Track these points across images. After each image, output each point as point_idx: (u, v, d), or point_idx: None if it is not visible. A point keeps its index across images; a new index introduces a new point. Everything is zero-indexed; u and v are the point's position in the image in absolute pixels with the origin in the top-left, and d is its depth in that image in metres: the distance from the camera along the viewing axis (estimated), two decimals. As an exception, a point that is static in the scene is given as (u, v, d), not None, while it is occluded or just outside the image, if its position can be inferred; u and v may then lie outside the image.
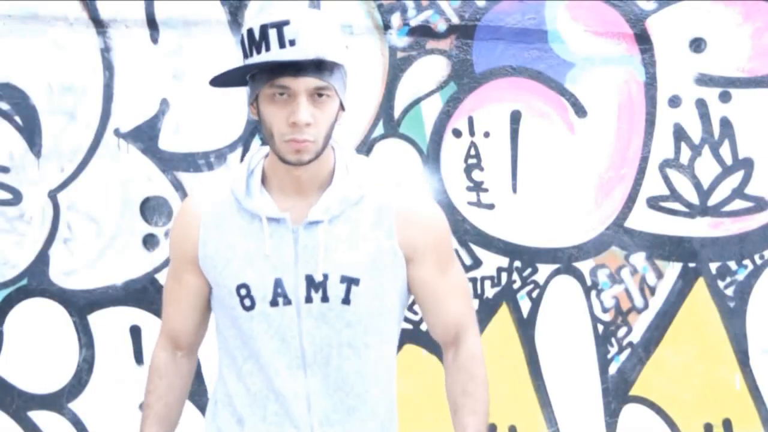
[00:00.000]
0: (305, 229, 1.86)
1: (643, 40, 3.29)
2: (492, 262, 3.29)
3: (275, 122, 1.79)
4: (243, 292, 1.88)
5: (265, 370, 1.89)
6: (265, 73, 1.78)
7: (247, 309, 1.88)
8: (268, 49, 1.76)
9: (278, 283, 1.86)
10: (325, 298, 1.86)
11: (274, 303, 1.87)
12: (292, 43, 1.75)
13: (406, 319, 3.15)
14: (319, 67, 1.76)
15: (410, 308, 1.97)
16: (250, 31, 1.78)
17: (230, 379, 1.95)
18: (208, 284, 1.97)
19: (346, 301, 1.86)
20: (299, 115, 1.76)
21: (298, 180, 1.87)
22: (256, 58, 1.78)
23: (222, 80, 1.86)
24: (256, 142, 3.18)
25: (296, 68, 1.75)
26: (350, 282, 1.86)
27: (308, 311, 1.87)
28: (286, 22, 1.75)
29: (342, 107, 1.86)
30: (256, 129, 3.15)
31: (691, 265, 3.34)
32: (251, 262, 1.88)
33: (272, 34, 1.76)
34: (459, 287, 1.98)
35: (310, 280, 1.86)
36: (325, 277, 1.85)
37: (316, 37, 1.76)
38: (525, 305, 3.31)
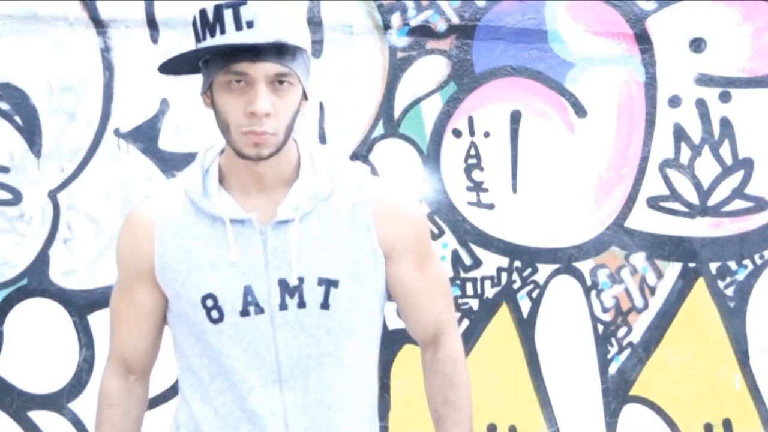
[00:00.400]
0: (274, 230, 1.70)
1: (643, 40, 3.29)
2: (492, 262, 3.29)
3: (231, 112, 1.64)
4: (209, 303, 1.71)
5: (236, 388, 1.72)
6: (219, 58, 1.62)
7: (215, 321, 1.71)
8: (223, 31, 1.60)
9: (248, 291, 1.70)
10: (301, 304, 1.70)
11: (244, 313, 1.70)
12: (249, 24, 1.59)
13: (406, 319, 3.15)
14: (279, 51, 1.60)
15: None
16: (203, 12, 1.62)
17: (195, 402, 1.77)
18: (164, 299, 1.79)
19: (325, 305, 1.70)
20: (258, 104, 1.60)
21: (260, 177, 1.72)
22: (210, 42, 1.61)
23: (172, 67, 1.70)
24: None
25: (254, 53, 1.59)
26: (329, 284, 1.70)
27: (283, 319, 1.70)
28: (243, 2, 1.59)
29: (305, 96, 1.70)
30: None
31: (691, 265, 3.34)
32: (216, 270, 1.71)
33: (227, 14, 1.59)
34: (438, 284, 1.85)
35: (283, 284, 1.70)
36: (301, 280, 1.70)
37: (277, 19, 1.60)
38: (525, 305, 3.31)
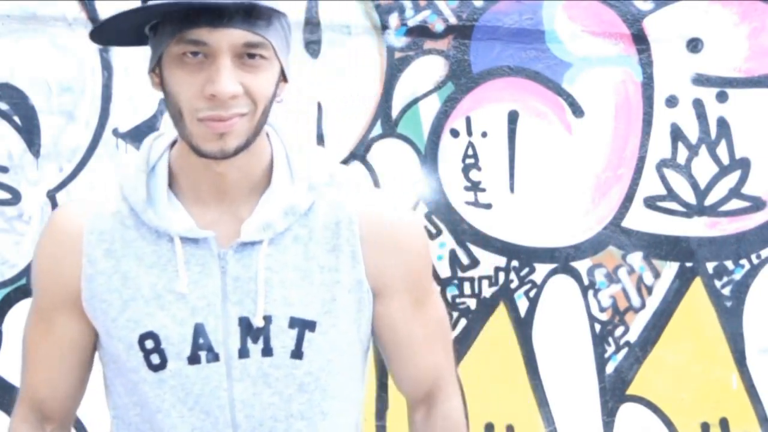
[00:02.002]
0: (236, 254, 1.32)
1: (640, 40, 3.30)
2: (489, 261, 3.29)
3: (184, 94, 1.25)
4: (149, 344, 1.32)
5: None
6: (170, 22, 1.22)
7: (156, 369, 1.33)
8: None
9: (200, 331, 1.31)
10: (267, 351, 1.31)
11: (193, 359, 1.31)
12: None
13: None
14: (249, 14, 1.20)
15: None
16: None
17: None
18: (92, 331, 1.41)
19: (297, 354, 1.32)
20: (221, 83, 1.20)
21: (222, 181, 1.32)
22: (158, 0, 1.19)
23: (109, 34, 1.30)
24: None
25: (216, 15, 1.19)
26: (303, 326, 1.31)
27: (243, 370, 1.32)
28: None
29: (284, 76, 1.30)
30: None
31: (688, 264, 3.35)
32: (160, 303, 1.32)
33: None
34: (438, 328, 1.47)
35: (245, 325, 1.31)
36: (268, 320, 1.31)
37: None
38: (522, 305, 3.31)
